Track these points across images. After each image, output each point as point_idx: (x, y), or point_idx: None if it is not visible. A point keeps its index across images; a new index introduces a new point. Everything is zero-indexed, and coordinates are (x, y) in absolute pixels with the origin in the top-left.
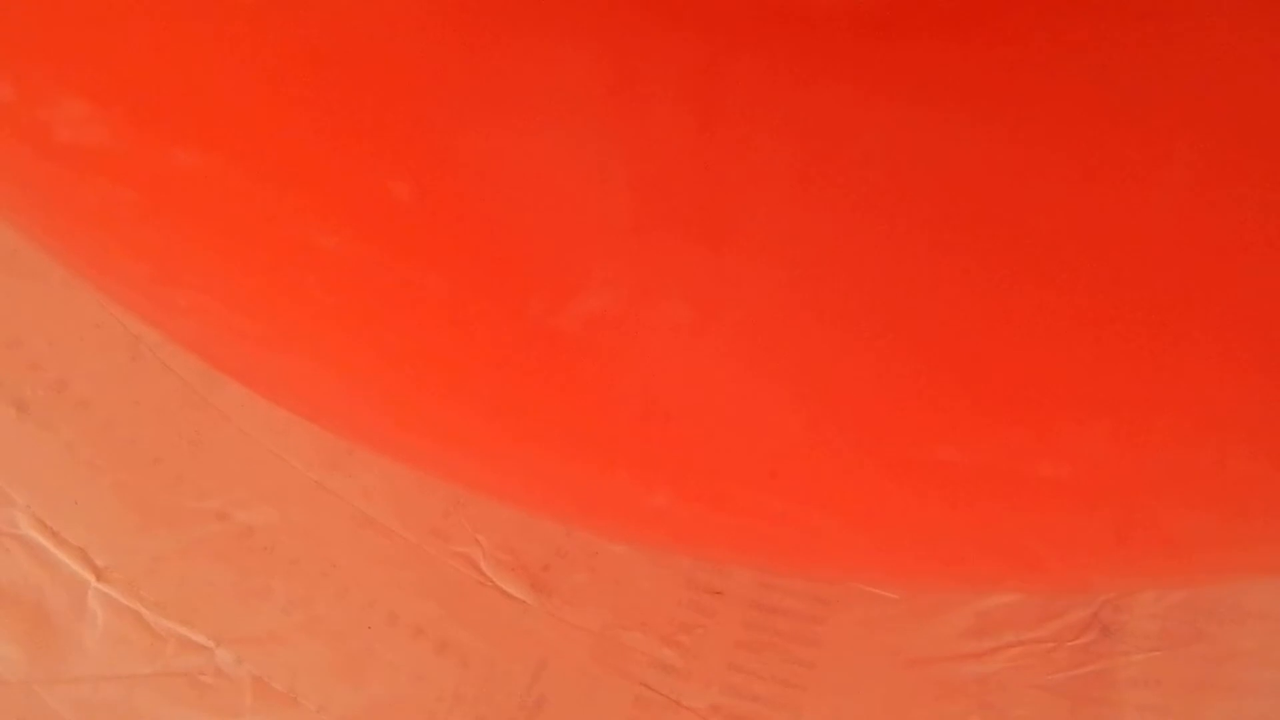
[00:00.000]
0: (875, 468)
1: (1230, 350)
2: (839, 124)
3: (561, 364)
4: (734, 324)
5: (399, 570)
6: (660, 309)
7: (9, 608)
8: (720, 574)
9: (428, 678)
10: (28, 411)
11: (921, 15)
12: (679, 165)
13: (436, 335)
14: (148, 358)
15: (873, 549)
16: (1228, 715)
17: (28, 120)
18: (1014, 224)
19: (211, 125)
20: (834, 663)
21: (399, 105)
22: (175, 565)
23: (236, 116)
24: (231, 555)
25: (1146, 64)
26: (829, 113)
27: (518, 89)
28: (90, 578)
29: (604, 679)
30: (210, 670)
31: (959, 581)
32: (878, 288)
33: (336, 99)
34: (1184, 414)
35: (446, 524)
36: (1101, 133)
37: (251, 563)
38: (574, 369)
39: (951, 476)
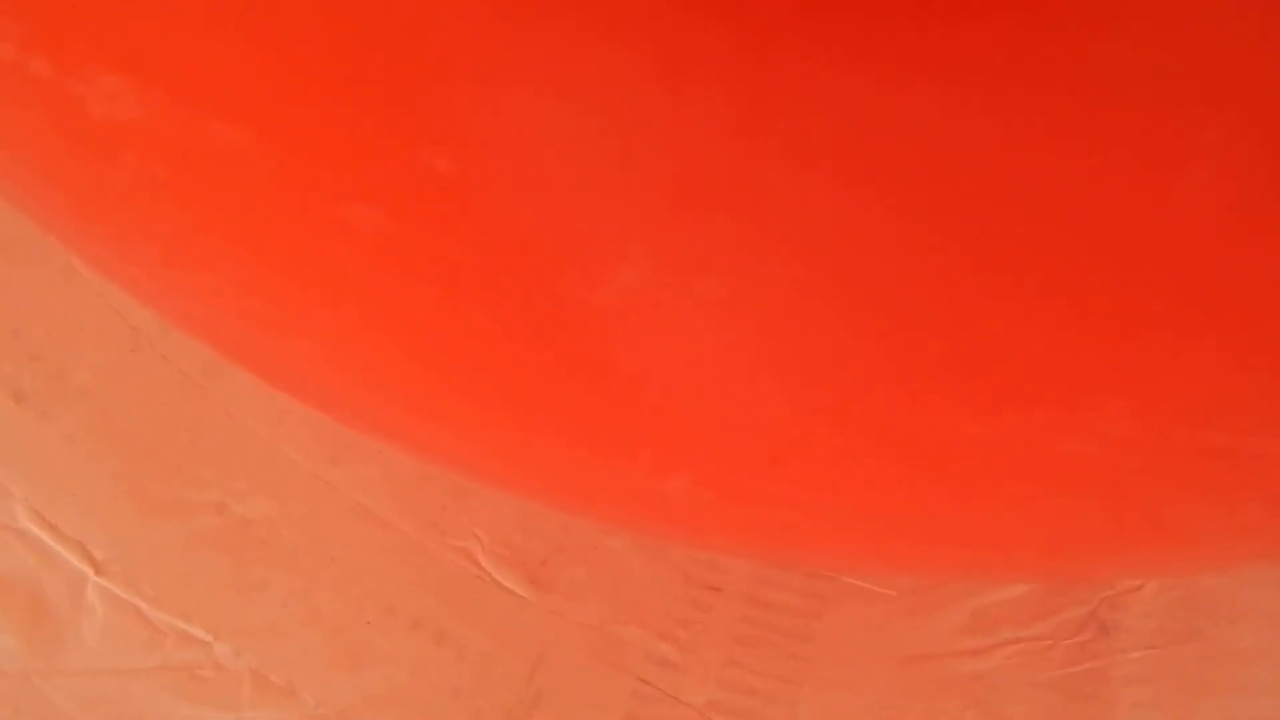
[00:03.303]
0: (877, 454)
1: (1243, 335)
2: (875, 109)
3: (587, 342)
4: (760, 305)
5: (397, 563)
6: (694, 286)
7: (8, 599)
8: (717, 569)
9: (426, 671)
10: (26, 402)
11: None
12: (718, 147)
13: (460, 317)
14: (147, 349)
15: (872, 537)
16: (1223, 713)
17: (61, 96)
18: (1031, 209)
19: (246, 99)
20: (830, 658)
21: (438, 79)
22: (174, 557)
23: (272, 89)
24: (230, 547)
25: (1175, 55)
26: (866, 99)
27: (559, 68)
28: (89, 571)
29: (602, 673)
30: (209, 664)
31: (958, 570)
32: (894, 271)
33: (376, 74)
34: (1195, 400)
35: (445, 517)
36: (1124, 120)
37: (250, 555)
38: (600, 348)
39: (953, 464)
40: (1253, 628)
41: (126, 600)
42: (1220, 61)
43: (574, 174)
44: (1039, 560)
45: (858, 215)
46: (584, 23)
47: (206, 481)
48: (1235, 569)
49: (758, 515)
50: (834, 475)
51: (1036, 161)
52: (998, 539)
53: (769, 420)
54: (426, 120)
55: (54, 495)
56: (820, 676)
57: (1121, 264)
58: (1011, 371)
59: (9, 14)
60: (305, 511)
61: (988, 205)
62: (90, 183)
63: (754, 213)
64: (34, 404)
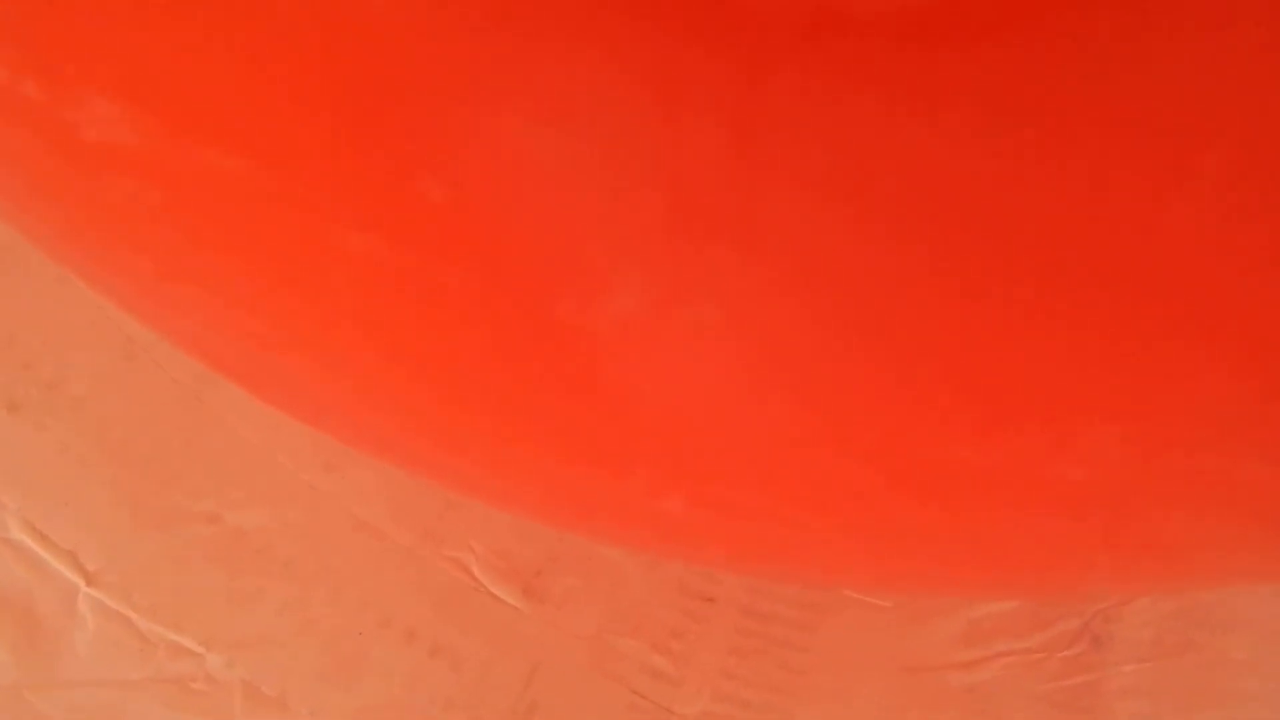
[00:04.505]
0: (872, 472)
1: (1236, 357)
2: (869, 134)
3: (583, 366)
4: (755, 329)
5: (392, 574)
6: (689, 310)
7: None
8: (712, 580)
9: (419, 682)
10: (19, 411)
11: (957, 21)
12: (713, 173)
13: (453, 337)
14: (142, 358)
15: (867, 553)
16: None
17: (54, 120)
18: (1025, 233)
19: (240, 125)
20: (825, 670)
21: (432, 104)
22: (167, 568)
23: (266, 114)
24: (224, 557)
25: (1172, 75)
26: (861, 124)
27: (554, 94)
28: (80, 582)
29: (596, 685)
30: (201, 676)
31: (952, 587)
32: (888, 293)
33: (370, 100)
34: (1188, 422)
35: (440, 528)
36: (1118, 144)
37: (244, 565)
38: (596, 371)
39: (947, 484)
40: (1247, 639)
41: (118, 611)
42: (1217, 84)
43: (569, 199)
44: (1032, 579)
45: (852, 240)
46: (579, 49)
47: (200, 491)
48: (1235, 587)
49: (753, 534)
50: (829, 495)
51: (1030, 185)
52: (992, 559)
53: (764, 441)
54: (421, 146)
55: (46, 505)
56: (815, 688)
57: (1115, 286)
58: (1006, 393)
59: (1, 38)
60: (300, 521)
61: (981, 228)
62: (85, 206)
63: (749, 238)
64: (27, 413)
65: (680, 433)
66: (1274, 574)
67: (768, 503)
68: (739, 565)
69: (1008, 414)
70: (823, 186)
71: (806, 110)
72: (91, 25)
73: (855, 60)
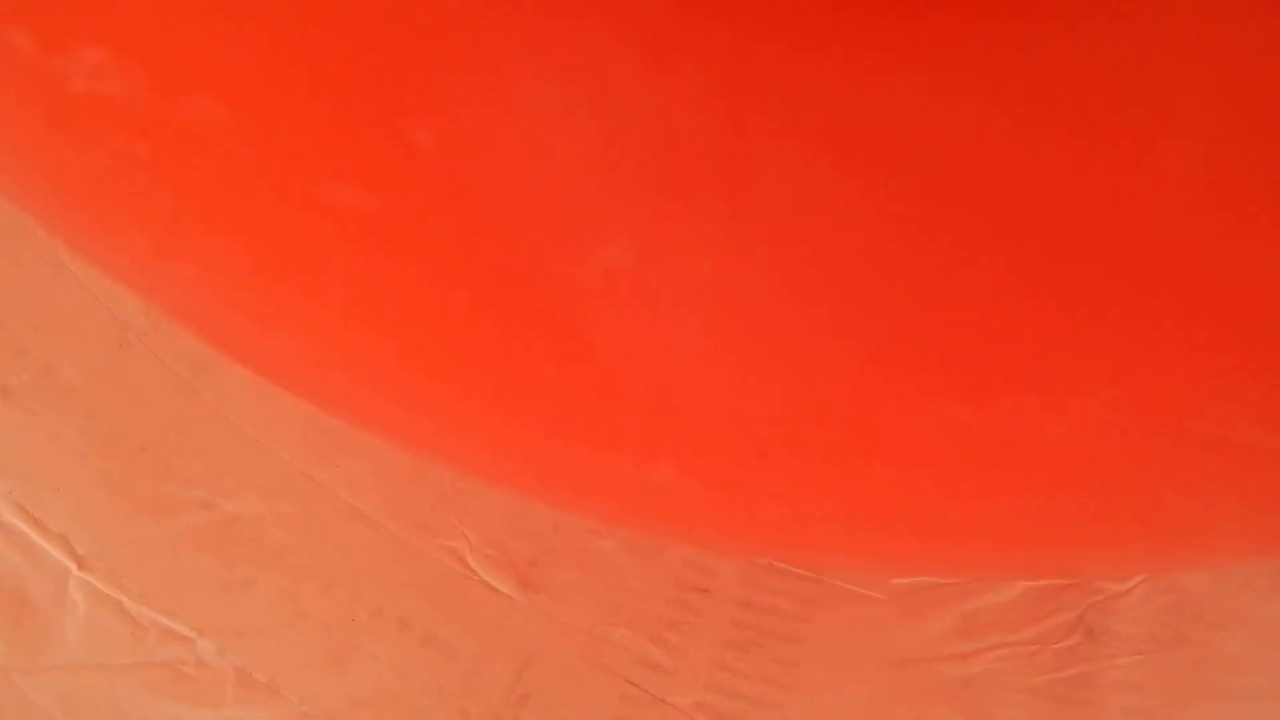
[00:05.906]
0: (865, 448)
1: (1232, 322)
2: (859, 94)
3: (572, 326)
4: (745, 289)
5: (385, 563)
6: (680, 268)
7: None
8: (708, 572)
9: (412, 671)
10: (12, 397)
11: None
12: (703, 128)
13: (445, 303)
14: (135, 345)
15: (860, 531)
16: (1212, 719)
17: (43, 74)
18: (1017, 194)
19: (227, 73)
20: (820, 662)
21: (424, 55)
22: (159, 555)
23: (253, 62)
24: (216, 545)
25: (1158, 37)
26: (851, 84)
27: (545, 46)
28: (72, 566)
29: (590, 675)
30: (192, 661)
31: (946, 566)
32: (880, 255)
33: (361, 48)
34: (1183, 388)
35: (434, 517)
36: (1108, 104)
37: (236, 553)
38: (584, 331)
39: (940, 451)
40: (1241, 633)
41: (109, 596)
42: (1203, 44)
43: (559, 152)
44: (1025, 554)
45: (843, 199)
46: (572, 3)
47: (194, 479)
48: (1223, 566)
49: (745, 510)
50: (821, 464)
51: (1021, 147)
52: (984, 532)
53: (755, 407)
54: (411, 96)
55: (38, 490)
56: (809, 680)
57: (1109, 249)
58: (999, 356)
59: None
60: (293, 510)
61: (973, 189)
62: (73, 164)
63: (739, 195)
64: (20, 400)
65: (669, 397)
66: (1268, 552)
67: (758, 476)
68: (733, 544)
69: (1000, 377)
70: (812, 143)
71: (797, 69)
72: None
73: (843, 21)
